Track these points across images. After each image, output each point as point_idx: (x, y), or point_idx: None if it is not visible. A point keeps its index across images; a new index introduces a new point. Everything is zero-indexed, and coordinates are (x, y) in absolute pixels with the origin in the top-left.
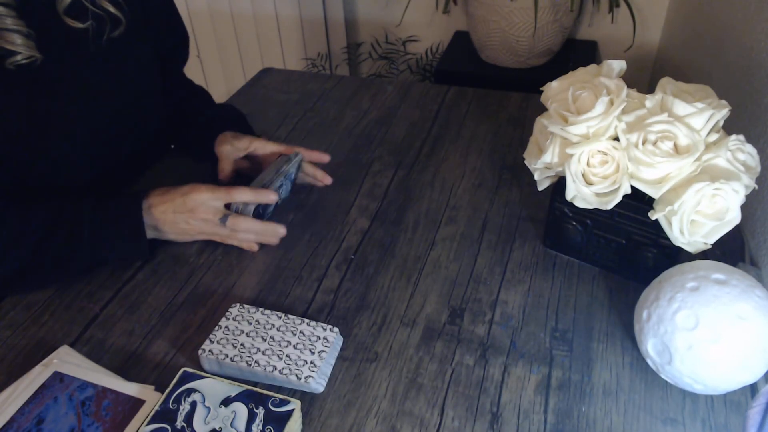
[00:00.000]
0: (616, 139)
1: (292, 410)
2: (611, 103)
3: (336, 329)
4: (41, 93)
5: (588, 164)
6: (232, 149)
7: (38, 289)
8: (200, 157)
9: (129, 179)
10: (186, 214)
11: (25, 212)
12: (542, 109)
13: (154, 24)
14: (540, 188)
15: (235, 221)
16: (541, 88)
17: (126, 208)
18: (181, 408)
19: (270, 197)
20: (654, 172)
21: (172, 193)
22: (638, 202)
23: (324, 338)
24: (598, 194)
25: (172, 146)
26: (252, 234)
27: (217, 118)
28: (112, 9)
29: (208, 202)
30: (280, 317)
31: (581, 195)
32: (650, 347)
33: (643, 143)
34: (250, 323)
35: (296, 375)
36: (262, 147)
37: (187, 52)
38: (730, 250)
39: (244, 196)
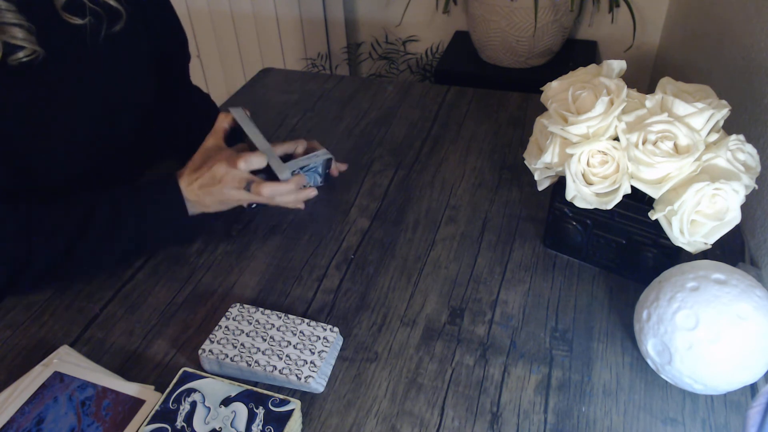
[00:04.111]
0: (616, 139)
1: (292, 410)
2: (611, 103)
3: (336, 329)
4: (41, 91)
5: (588, 164)
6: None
7: (85, 274)
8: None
9: (130, 177)
10: (216, 186)
11: (56, 208)
12: (542, 109)
13: (152, 23)
14: (540, 188)
15: (257, 187)
16: (541, 88)
17: (162, 187)
18: (181, 408)
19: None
20: (654, 172)
21: (201, 170)
22: (638, 202)
23: (324, 338)
24: (598, 194)
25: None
26: (283, 196)
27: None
28: (112, 2)
29: (230, 172)
30: (280, 317)
31: (581, 195)
32: (650, 347)
33: (643, 143)
34: (250, 323)
35: (296, 375)
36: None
37: (188, 52)
38: (730, 250)
39: (254, 162)
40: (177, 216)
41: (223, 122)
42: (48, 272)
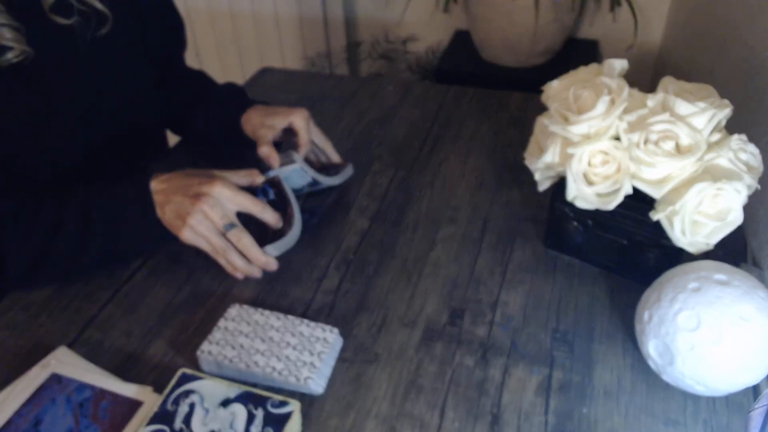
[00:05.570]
0: (618, 138)
1: (291, 412)
2: (612, 102)
3: (335, 330)
4: (36, 92)
5: (589, 164)
6: (270, 132)
7: (55, 282)
8: (212, 146)
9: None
10: (191, 198)
11: (31, 208)
12: (543, 108)
13: (143, 14)
14: (541, 189)
15: (239, 235)
16: (542, 88)
17: (133, 188)
18: (180, 409)
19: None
20: (655, 172)
21: (188, 176)
22: (640, 202)
23: (323, 339)
24: (599, 194)
25: (180, 139)
26: (243, 260)
27: (222, 105)
28: (98, 5)
29: (223, 199)
30: (280, 318)
31: (582, 195)
32: (652, 348)
33: (645, 143)
34: (249, 324)
35: (295, 376)
36: (297, 122)
37: (184, 38)
38: (732, 250)
39: (267, 216)
40: (139, 199)
41: (254, 177)
42: (28, 273)
